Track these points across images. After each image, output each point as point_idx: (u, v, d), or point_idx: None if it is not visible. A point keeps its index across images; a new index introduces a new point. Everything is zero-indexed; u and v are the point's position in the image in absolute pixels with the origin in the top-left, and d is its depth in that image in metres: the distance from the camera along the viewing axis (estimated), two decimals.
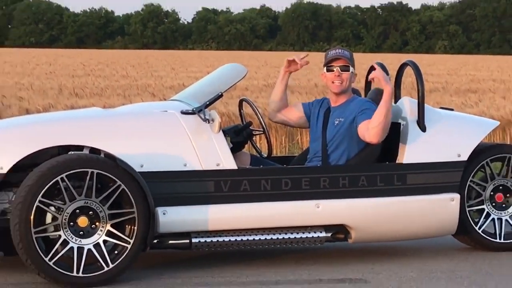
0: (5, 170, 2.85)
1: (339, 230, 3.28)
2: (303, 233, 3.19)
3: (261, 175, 3.21)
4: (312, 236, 3.20)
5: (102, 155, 2.94)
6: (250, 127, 3.59)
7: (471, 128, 3.69)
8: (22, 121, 3.69)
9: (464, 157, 3.45)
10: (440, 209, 3.38)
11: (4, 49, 58.71)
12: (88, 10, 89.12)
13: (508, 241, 3.57)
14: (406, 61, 3.73)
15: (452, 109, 4.12)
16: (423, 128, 3.41)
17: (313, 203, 3.18)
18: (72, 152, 2.96)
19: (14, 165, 2.86)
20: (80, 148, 2.98)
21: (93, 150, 2.96)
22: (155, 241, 3.00)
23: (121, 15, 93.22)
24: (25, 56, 39.32)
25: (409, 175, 3.35)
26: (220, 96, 3.23)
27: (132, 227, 2.86)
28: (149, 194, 2.86)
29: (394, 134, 3.44)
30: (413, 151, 3.38)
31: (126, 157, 2.93)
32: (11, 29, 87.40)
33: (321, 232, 3.21)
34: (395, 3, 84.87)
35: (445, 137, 3.52)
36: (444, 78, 21.62)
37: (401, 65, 3.81)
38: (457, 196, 3.39)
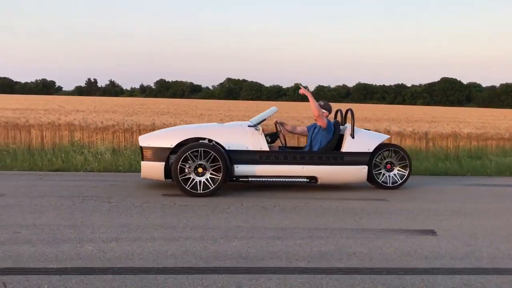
0: (173, 145, 6.73)
1: (313, 178, 7.08)
2: (297, 178, 7.01)
3: (278, 153, 7.02)
4: (300, 180, 7.03)
5: (213, 142, 6.79)
6: (278, 133, 7.62)
7: (374, 137, 7.55)
8: (183, 127, 7.67)
9: (371, 150, 7.35)
10: (358, 171, 7.29)
11: None
12: None
13: (393, 185, 7.59)
14: (349, 108, 7.85)
15: (368, 129, 8.34)
16: (352, 137, 7.31)
17: (301, 166, 7.03)
18: (201, 141, 6.79)
19: (177, 144, 6.75)
20: (204, 138, 6.86)
21: (210, 140, 6.83)
22: (234, 178, 6.86)
23: None
24: None
25: (345, 156, 7.21)
26: (264, 120, 7.19)
27: (219, 171, 6.56)
28: (226, 157, 6.63)
29: (340, 139, 7.42)
30: (347, 147, 7.26)
31: (223, 143, 6.81)
32: None
33: (304, 178, 7.05)
34: None
35: (362, 141, 7.35)
36: None
37: (347, 109, 7.94)
38: (366, 167, 7.31)
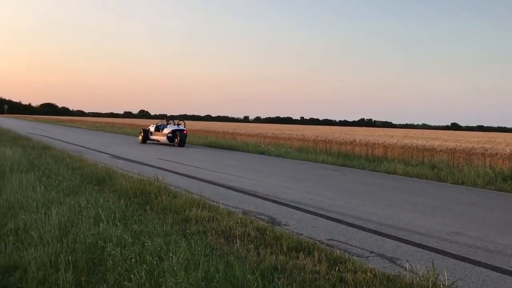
0: (142, 130, 29.96)
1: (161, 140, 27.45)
2: (162, 142, 27.18)
3: (155, 133, 27.90)
4: (163, 142, 27.14)
5: (148, 128, 28.96)
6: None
7: (170, 128, 26.72)
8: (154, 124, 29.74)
9: (166, 132, 26.52)
10: (165, 137, 26.98)
11: None
12: None
13: (172, 143, 26.29)
14: (181, 120, 28.68)
15: (179, 126, 27.26)
16: (163, 129, 27.14)
17: (161, 137, 27.08)
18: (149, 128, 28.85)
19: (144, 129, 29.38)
20: (148, 128, 29.11)
21: (149, 129, 28.69)
22: (151, 141, 28.32)
23: None
24: None
25: (164, 134, 26.94)
26: (155, 125, 28.51)
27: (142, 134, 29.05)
28: (146, 132, 28.65)
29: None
30: (164, 131, 26.93)
31: (150, 129, 28.57)
32: None
33: (165, 141, 26.93)
34: None
35: (167, 130, 26.62)
36: None
37: (179, 120, 28.49)
38: (165, 137, 26.66)
